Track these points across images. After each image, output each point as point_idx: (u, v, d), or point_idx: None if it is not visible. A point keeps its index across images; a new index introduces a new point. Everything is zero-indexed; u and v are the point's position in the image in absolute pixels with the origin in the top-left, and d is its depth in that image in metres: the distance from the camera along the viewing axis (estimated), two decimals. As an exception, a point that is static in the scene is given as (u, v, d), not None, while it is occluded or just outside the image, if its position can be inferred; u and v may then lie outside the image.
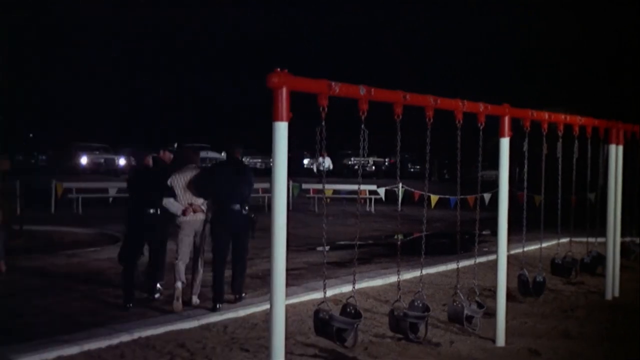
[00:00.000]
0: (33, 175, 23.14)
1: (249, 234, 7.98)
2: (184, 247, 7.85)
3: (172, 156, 8.33)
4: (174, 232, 8.02)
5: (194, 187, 7.80)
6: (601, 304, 8.28)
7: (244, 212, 7.78)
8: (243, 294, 8.00)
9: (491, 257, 10.47)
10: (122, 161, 35.31)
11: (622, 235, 9.37)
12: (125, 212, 8.31)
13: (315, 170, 33.94)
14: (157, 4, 52.49)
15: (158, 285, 8.14)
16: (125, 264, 7.94)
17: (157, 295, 8.05)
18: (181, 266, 7.74)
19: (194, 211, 7.86)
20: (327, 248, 10.83)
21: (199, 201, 7.86)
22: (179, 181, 7.82)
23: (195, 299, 7.76)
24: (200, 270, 7.89)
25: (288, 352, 5.32)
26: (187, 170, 7.94)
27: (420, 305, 5.84)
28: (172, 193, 7.77)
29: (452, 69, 41.39)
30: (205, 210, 7.94)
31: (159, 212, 7.80)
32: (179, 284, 7.60)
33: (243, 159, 8.83)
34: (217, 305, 7.45)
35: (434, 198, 17.59)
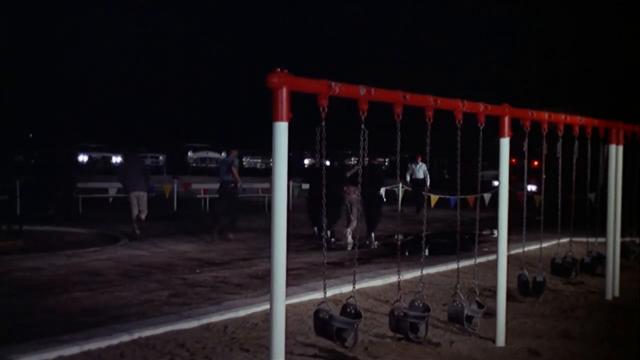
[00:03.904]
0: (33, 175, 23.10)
1: (378, 207, 13.94)
2: (348, 212, 13.69)
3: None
4: None
5: (351, 179, 13.45)
6: (601, 304, 8.27)
7: (377, 193, 13.86)
8: (375, 243, 13.62)
9: (491, 257, 10.46)
10: (118, 159, 35.96)
11: (622, 235, 9.36)
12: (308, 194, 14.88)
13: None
14: (158, 4, 52.53)
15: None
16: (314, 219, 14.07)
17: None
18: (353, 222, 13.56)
19: (349, 193, 13.46)
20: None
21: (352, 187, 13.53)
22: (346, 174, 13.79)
23: (349, 240, 13.46)
24: (354, 224, 13.32)
25: (288, 352, 5.31)
26: (352, 168, 14.48)
27: (421, 305, 5.83)
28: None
29: (452, 69, 41.40)
30: (357, 192, 13.14)
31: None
32: (347, 230, 13.58)
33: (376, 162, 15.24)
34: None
35: (434, 198, 17.58)
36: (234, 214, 14.09)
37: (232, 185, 13.83)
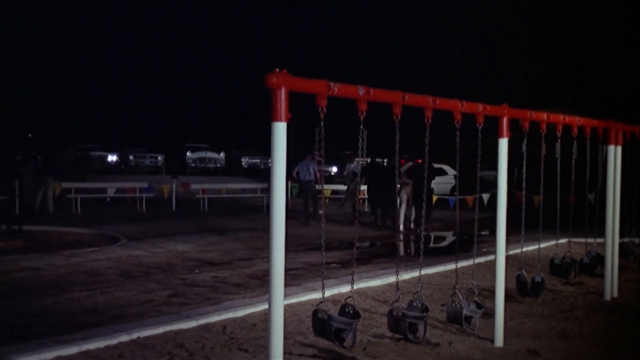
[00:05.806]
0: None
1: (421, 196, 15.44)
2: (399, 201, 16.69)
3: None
4: None
5: (405, 173, 16.47)
6: (600, 305, 8.27)
7: (420, 186, 15.10)
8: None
9: (490, 258, 10.47)
10: (114, 158, 36.36)
11: (621, 235, 9.36)
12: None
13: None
14: (157, 4, 52.52)
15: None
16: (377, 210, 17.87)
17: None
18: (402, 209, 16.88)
19: (404, 185, 16.43)
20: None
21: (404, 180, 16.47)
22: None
23: (401, 227, 16.62)
24: (404, 209, 16.82)
25: (287, 352, 5.32)
26: (404, 166, 16.85)
27: (419, 305, 5.83)
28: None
29: (452, 69, 41.42)
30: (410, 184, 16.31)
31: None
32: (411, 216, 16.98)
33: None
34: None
35: (433, 198, 17.60)
36: (316, 205, 17.71)
37: (313, 183, 17.61)
